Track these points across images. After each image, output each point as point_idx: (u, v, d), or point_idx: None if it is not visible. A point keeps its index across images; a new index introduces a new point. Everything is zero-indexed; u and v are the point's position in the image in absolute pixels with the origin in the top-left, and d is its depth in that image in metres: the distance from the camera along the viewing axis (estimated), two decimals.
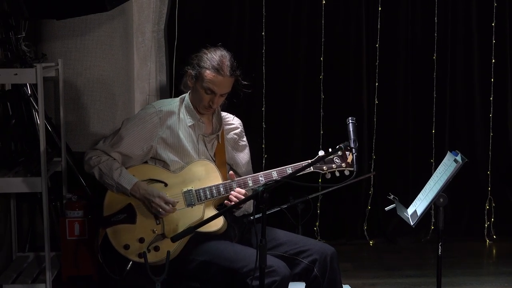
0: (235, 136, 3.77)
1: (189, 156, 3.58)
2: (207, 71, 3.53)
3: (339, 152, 3.50)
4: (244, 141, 3.81)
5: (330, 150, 3.48)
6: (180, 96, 3.71)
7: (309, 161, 3.48)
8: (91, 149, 3.59)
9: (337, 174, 3.54)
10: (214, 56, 3.55)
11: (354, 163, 3.32)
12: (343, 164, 3.52)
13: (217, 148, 3.67)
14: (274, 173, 3.51)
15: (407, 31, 5.52)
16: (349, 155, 3.47)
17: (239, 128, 3.80)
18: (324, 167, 3.53)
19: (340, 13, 5.47)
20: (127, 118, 3.65)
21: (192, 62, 3.60)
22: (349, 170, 3.52)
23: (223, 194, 3.51)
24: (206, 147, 3.64)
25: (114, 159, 3.54)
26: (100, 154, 3.54)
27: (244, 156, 3.78)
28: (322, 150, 3.51)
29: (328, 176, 3.54)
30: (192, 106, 3.63)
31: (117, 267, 3.47)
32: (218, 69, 3.52)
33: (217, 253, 3.38)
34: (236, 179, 3.54)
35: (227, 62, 3.54)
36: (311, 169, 3.50)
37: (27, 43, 4.58)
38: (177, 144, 3.58)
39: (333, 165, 3.53)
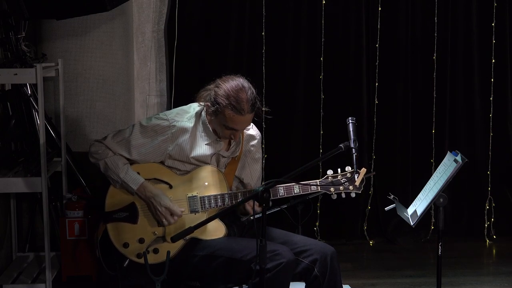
0: (252, 149, 3.66)
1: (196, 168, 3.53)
2: (226, 111, 3.35)
3: (348, 174, 3.49)
4: (258, 154, 3.69)
5: (339, 170, 3.48)
6: (196, 111, 3.52)
7: (317, 181, 3.48)
8: (99, 142, 3.50)
9: (343, 195, 3.52)
10: (231, 93, 3.35)
11: (355, 163, 3.33)
12: (350, 187, 3.48)
13: (229, 162, 3.60)
14: (281, 190, 3.49)
15: (407, 31, 5.52)
16: (357, 178, 3.44)
17: (256, 139, 3.67)
18: (332, 189, 3.49)
19: (340, 13, 5.47)
20: (140, 123, 3.49)
21: (208, 95, 3.43)
22: (356, 193, 3.51)
23: (227, 205, 3.47)
24: (218, 164, 3.55)
25: (121, 155, 3.49)
26: (106, 149, 3.48)
27: (253, 173, 3.68)
28: (330, 170, 3.49)
29: (334, 197, 3.51)
30: (210, 127, 3.49)
31: (115, 263, 3.45)
32: (238, 109, 3.34)
33: (219, 246, 3.38)
34: (241, 190, 3.52)
35: (246, 97, 3.35)
36: (318, 189, 3.49)
37: (27, 43, 4.58)
38: (185, 160, 3.50)
39: (341, 187, 3.49)
